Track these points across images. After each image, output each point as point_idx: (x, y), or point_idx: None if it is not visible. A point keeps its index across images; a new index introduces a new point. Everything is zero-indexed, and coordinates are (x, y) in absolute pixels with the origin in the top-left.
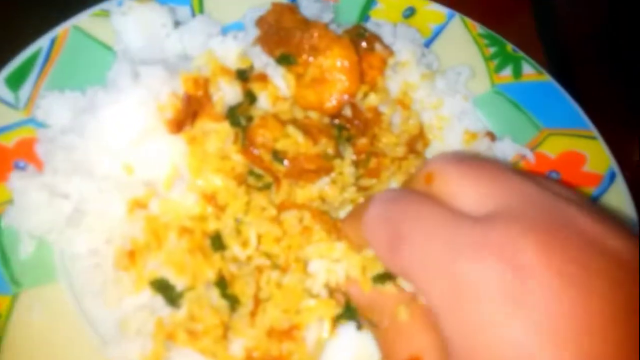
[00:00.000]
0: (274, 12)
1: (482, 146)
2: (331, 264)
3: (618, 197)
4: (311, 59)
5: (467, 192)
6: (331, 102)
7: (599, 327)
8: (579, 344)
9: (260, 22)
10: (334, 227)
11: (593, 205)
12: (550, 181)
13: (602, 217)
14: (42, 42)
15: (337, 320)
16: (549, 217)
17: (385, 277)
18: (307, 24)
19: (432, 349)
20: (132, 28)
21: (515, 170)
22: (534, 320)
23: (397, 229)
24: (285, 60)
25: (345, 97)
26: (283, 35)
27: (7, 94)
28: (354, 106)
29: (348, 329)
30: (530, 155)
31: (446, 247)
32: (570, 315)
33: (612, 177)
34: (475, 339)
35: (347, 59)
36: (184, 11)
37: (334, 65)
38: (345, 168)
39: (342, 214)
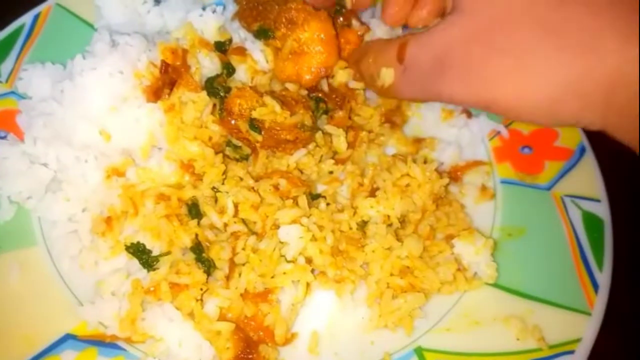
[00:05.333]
0: None
1: (459, 122)
2: (303, 231)
3: (588, 170)
4: (289, 33)
5: None
6: (309, 75)
7: None
8: None
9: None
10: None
11: None
12: None
13: None
14: (25, 18)
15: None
16: None
17: None
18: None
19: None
20: (113, 4)
21: None
22: None
23: None
24: (263, 33)
25: (323, 70)
26: (261, 10)
27: None
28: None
29: (323, 294)
30: (504, 132)
31: None
32: None
33: (582, 151)
34: None
35: (324, 32)
36: None
37: (312, 38)
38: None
39: (320, 187)
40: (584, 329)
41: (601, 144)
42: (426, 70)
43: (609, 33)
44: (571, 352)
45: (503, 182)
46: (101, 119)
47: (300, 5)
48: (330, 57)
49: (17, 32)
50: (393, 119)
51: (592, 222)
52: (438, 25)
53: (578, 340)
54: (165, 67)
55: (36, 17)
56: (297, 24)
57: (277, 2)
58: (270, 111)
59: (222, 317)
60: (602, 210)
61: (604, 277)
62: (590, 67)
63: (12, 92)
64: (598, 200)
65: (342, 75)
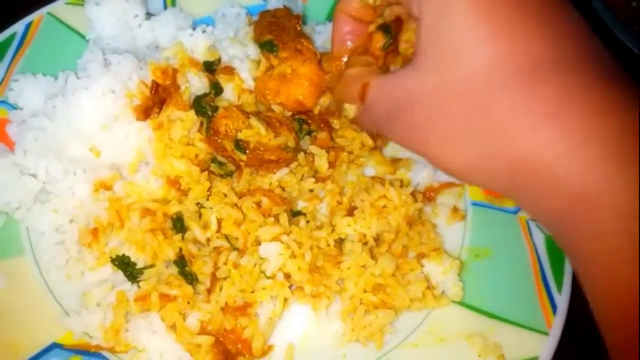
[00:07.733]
0: (282, 11)
1: None
2: (283, 248)
3: None
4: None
5: None
6: (284, 101)
7: None
8: None
9: (264, 13)
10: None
11: None
12: None
13: None
14: (17, 27)
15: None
16: None
17: None
18: (301, 35)
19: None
20: (105, 17)
21: None
22: None
23: None
24: (269, 45)
25: (296, 104)
26: (280, 30)
27: None
28: None
29: (299, 308)
30: None
31: None
32: None
33: None
34: None
35: (317, 78)
36: (156, 3)
37: (305, 75)
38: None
39: (301, 204)
40: (542, 348)
41: None
42: (380, 114)
43: (525, 120)
44: None
45: (473, 204)
46: (92, 136)
47: (311, 46)
48: (309, 98)
49: (8, 40)
50: (375, 142)
51: (553, 246)
52: (398, 73)
53: (535, 359)
54: (155, 87)
55: (28, 25)
56: (300, 57)
57: (295, 31)
58: (255, 133)
59: (202, 330)
60: None
61: (562, 299)
62: (498, 149)
63: (3, 102)
64: None
65: (323, 102)
